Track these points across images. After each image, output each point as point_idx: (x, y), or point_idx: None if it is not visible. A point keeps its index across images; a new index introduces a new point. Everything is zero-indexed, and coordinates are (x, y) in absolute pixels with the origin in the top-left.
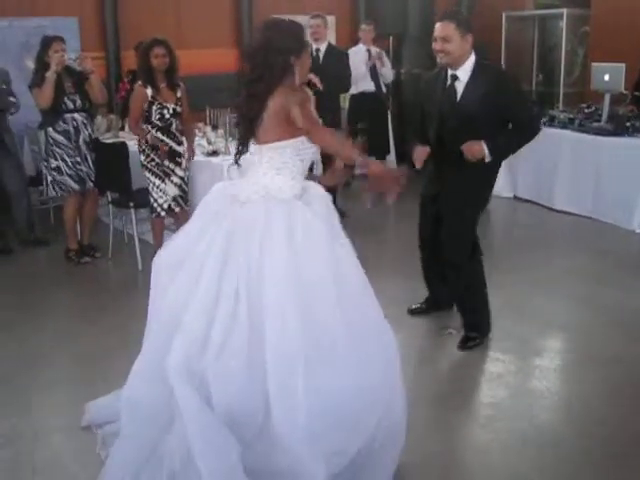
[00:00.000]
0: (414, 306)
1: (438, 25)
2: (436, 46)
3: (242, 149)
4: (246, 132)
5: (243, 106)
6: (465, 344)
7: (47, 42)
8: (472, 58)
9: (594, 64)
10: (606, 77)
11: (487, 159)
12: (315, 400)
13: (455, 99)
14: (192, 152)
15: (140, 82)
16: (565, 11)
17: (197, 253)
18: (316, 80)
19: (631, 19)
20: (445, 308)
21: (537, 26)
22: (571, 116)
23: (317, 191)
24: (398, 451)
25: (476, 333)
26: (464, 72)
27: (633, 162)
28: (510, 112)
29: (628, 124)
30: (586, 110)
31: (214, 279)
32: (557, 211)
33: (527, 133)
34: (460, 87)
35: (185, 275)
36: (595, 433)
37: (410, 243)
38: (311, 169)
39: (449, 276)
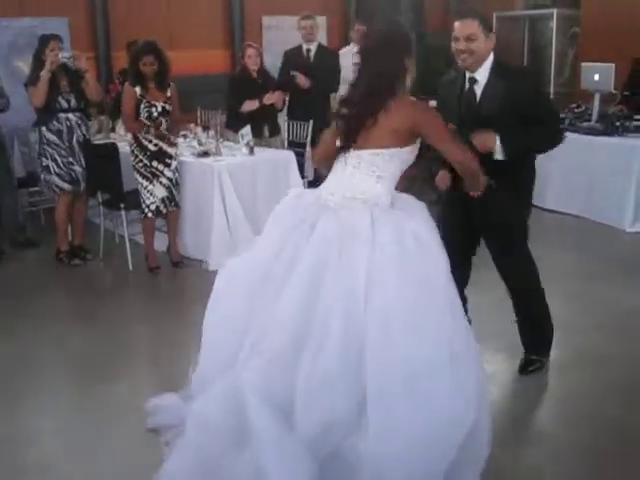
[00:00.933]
0: None
1: (459, 24)
2: (459, 46)
3: (345, 148)
4: (349, 133)
5: (353, 106)
6: (526, 368)
7: (45, 40)
8: (491, 58)
9: (584, 64)
10: (596, 77)
11: (498, 153)
12: (410, 425)
13: (475, 102)
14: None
15: (129, 81)
16: (555, 11)
17: (282, 262)
18: (301, 78)
19: (620, 19)
20: None
21: (527, 26)
22: (561, 116)
23: (411, 199)
24: (477, 474)
25: (536, 355)
26: (483, 74)
27: (623, 161)
28: (536, 112)
29: (618, 124)
30: (576, 110)
31: (304, 290)
32: (548, 210)
33: (552, 134)
34: (479, 90)
35: (264, 286)
36: (588, 431)
37: None
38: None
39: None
